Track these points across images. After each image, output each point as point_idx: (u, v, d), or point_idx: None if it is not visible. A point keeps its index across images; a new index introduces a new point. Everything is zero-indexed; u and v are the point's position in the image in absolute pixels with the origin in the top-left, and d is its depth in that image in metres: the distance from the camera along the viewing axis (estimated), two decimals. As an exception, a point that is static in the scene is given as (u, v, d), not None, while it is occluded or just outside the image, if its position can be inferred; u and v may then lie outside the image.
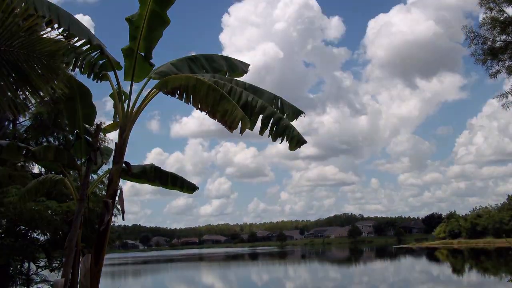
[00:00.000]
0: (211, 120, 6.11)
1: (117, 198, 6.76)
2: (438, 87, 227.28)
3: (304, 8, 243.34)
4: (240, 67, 7.86)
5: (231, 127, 5.74)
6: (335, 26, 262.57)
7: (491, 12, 16.77)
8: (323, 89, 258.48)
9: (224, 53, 11.24)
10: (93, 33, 6.51)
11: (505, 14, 16.65)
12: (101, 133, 7.57)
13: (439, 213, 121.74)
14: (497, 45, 16.93)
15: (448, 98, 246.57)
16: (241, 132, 5.73)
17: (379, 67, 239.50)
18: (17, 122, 21.40)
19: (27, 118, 20.25)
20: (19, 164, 18.57)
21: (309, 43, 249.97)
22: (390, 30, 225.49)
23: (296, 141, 6.27)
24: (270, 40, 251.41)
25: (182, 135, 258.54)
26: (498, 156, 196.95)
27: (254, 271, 50.50)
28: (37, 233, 11.19)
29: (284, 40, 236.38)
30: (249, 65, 7.97)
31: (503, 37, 17.01)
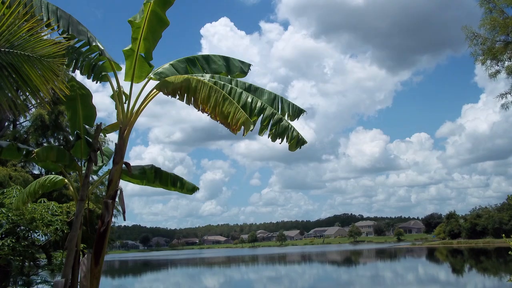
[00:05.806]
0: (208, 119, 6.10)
1: (117, 199, 6.77)
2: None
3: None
4: (241, 68, 7.81)
5: (234, 129, 5.70)
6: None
7: (491, 13, 16.76)
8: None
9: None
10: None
11: (504, 15, 16.65)
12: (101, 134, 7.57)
13: (438, 213, 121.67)
14: (496, 45, 16.90)
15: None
16: (244, 134, 5.67)
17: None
18: (18, 123, 21.42)
19: (27, 119, 20.30)
20: (20, 165, 18.61)
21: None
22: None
23: (296, 141, 6.26)
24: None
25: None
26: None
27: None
28: (37, 234, 11.18)
29: None
30: (250, 65, 7.92)
31: (502, 37, 17.00)
